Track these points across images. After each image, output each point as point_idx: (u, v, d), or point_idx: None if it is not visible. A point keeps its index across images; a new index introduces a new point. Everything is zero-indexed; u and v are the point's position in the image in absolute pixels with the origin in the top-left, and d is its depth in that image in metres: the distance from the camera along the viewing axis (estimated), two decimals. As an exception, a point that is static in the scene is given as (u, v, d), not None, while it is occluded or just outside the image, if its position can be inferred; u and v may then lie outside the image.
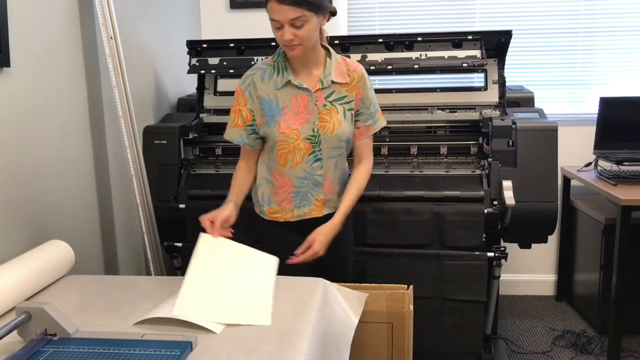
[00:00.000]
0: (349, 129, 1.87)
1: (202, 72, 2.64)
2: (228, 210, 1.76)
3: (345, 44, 2.56)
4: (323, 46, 1.87)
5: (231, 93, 2.67)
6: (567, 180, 3.22)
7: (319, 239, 1.79)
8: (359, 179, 1.92)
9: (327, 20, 1.80)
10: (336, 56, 1.88)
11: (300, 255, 1.76)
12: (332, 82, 1.84)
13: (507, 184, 2.26)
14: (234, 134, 1.89)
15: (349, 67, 1.88)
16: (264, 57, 2.58)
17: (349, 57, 2.51)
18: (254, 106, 1.84)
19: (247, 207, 1.95)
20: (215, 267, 1.54)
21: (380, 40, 2.53)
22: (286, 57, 1.82)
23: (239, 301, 1.44)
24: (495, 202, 2.27)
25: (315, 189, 1.88)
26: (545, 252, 3.41)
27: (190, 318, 1.34)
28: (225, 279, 1.51)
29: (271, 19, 1.69)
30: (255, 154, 1.92)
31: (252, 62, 2.60)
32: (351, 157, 1.96)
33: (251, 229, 1.98)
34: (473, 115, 2.51)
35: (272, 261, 1.61)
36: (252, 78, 1.84)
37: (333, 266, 1.95)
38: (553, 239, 3.35)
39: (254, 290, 1.49)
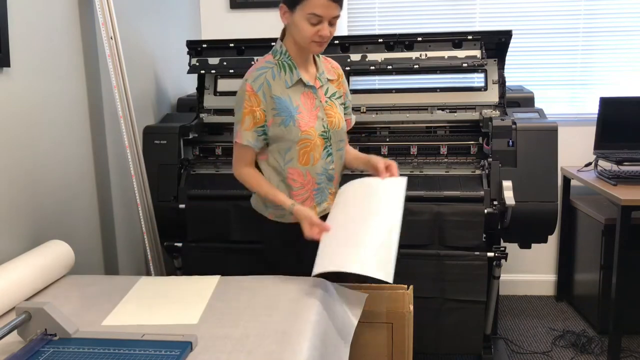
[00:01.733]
0: (344, 121, 1.94)
1: (202, 72, 2.64)
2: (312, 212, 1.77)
3: (345, 44, 2.56)
4: None
5: (231, 93, 2.70)
6: (567, 180, 3.22)
7: (388, 160, 1.85)
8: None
9: None
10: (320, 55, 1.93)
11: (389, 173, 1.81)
12: (327, 79, 1.90)
13: (507, 184, 2.26)
14: (250, 137, 1.79)
15: (332, 64, 1.97)
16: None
17: (349, 57, 2.53)
18: (266, 106, 1.78)
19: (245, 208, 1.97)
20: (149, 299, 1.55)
21: (380, 40, 2.53)
22: (290, 55, 1.82)
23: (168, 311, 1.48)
24: (495, 202, 2.27)
25: (329, 184, 1.90)
26: (545, 252, 3.41)
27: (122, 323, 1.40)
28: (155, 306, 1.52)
29: (312, 14, 1.68)
30: (255, 158, 1.88)
31: (252, 62, 2.60)
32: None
33: (264, 233, 1.94)
34: (473, 115, 2.51)
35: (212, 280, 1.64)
36: (265, 77, 1.78)
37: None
38: (553, 239, 3.35)
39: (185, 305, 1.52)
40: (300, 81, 1.81)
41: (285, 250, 1.89)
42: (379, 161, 1.83)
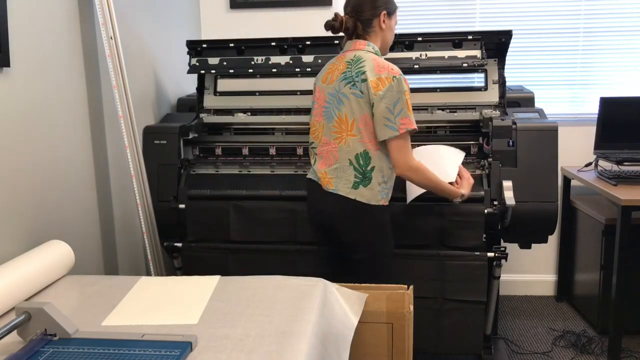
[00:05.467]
0: None
1: (202, 72, 2.64)
2: None
3: (346, 44, 2.56)
4: None
5: (231, 93, 2.71)
6: (567, 180, 3.22)
7: None
8: None
9: None
10: None
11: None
12: None
13: (507, 184, 2.26)
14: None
15: None
16: (262, 58, 2.60)
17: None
18: None
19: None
20: (147, 299, 1.55)
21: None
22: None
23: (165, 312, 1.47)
24: (495, 202, 2.27)
25: None
26: (545, 252, 3.41)
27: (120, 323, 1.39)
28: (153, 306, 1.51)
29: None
30: None
31: (252, 62, 2.60)
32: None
33: (378, 222, 2.04)
34: (473, 115, 2.51)
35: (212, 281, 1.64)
36: None
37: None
38: (553, 239, 3.36)
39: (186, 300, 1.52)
40: None
41: (390, 228, 2.07)
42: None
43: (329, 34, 2.05)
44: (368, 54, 1.99)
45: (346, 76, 1.98)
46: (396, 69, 1.96)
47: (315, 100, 2.11)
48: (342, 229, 2.03)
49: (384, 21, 2.03)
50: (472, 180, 2.18)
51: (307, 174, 2.16)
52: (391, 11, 2.06)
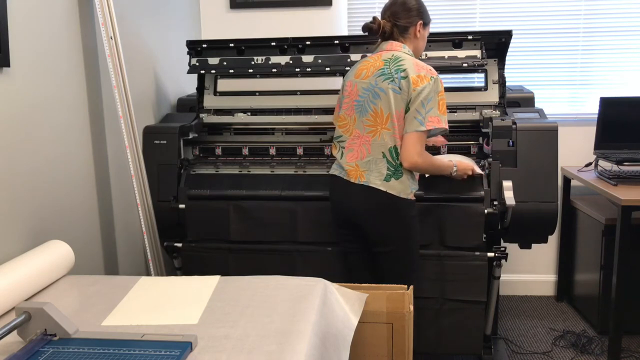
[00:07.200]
0: None
1: (202, 72, 2.64)
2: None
3: (345, 44, 2.56)
4: None
5: (231, 93, 2.71)
6: (567, 180, 3.22)
7: None
8: None
9: None
10: None
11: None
12: None
13: (507, 184, 2.26)
14: None
15: None
16: (262, 58, 2.60)
17: (349, 57, 2.53)
18: None
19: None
20: (148, 299, 1.55)
21: (380, 39, 2.52)
22: None
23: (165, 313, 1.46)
24: (495, 202, 2.27)
25: None
26: (545, 252, 3.41)
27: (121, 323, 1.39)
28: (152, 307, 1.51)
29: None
30: None
31: (252, 62, 2.60)
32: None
33: (409, 215, 2.08)
34: (473, 115, 2.51)
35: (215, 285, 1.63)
36: None
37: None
38: (553, 239, 3.35)
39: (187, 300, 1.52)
40: None
41: (417, 224, 2.11)
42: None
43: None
44: (405, 55, 2.06)
45: (384, 72, 2.02)
46: (434, 71, 2.04)
47: (345, 95, 2.12)
48: (371, 222, 2.05)
49: (419, 30, 2.12)
50: (468, 163, 2.24)
51: (330, 170, 2.18)
52: (426, 22, 2.16)
